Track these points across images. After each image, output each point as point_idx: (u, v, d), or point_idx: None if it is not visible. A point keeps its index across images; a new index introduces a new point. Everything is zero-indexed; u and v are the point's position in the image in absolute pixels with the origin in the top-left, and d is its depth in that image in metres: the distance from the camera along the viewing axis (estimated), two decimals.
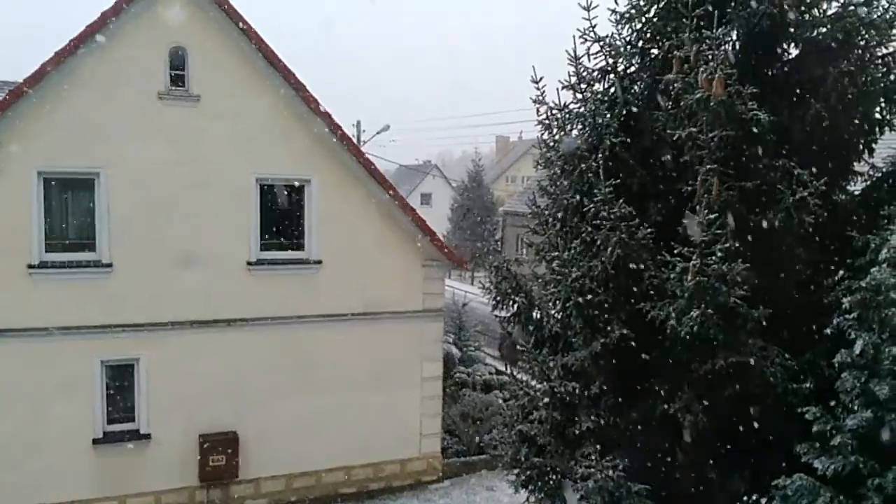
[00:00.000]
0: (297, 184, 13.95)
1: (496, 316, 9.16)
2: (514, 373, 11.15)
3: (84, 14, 12.29)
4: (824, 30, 7.18)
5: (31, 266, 12.11)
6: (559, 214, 8.02)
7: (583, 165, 7.43)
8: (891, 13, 7.05)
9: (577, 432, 7.54)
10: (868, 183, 7.67)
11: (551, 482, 8.42)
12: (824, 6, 7.32)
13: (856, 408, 5.84)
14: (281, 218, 14.06)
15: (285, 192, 13.97)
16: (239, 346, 13.51)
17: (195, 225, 13.02)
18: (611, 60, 7.92)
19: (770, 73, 7.36)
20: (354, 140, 23.45)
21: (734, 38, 7.25)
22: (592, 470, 6.80)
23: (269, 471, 13.96)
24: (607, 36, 7.85)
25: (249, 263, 13.55)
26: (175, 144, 12.81)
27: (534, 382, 8.40)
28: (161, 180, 12.75)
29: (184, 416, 13.16)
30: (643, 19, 7.78)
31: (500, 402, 16.19)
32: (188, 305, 13.11)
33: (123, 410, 13.00)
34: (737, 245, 6.31)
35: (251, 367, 13.63)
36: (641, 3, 7.69)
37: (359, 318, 14.41)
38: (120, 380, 12.91)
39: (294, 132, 13.71)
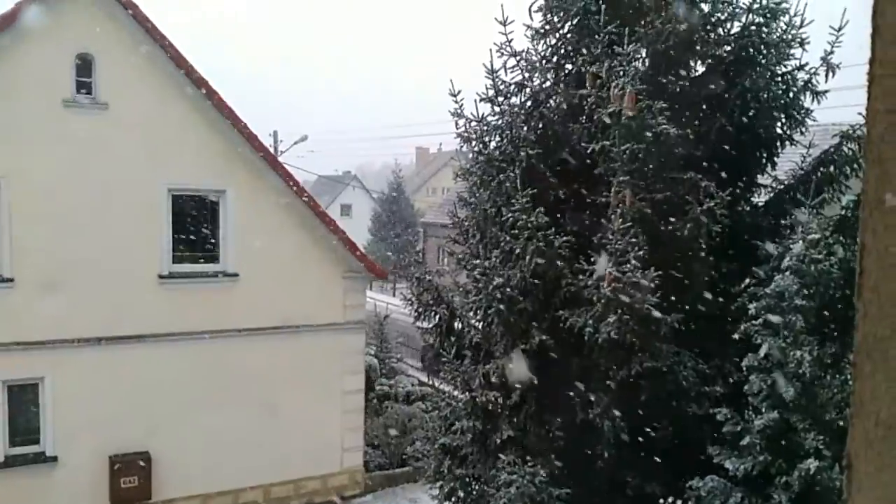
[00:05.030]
0: (211, 195, 13.59)
1: (418, 327, 9.15)
2: (436, 384, 11.17)
3: None
4: (728, 48, 7.54)
5: None
6: (479, 224, 8.11)
7: (501, 176, 7.54)
8: (789, 33, 7.46)
9: (498, 441, 7.60)
10: (772, 194, 8.06)
11: (474, 493, 8.44)
12: (728, 25, 7.68)
13: (763, 409, 6.09)
14: (195, 230, 13.67)
15: (200, 204, 13.60)
16: (151, 363, 13.01)
17: (103, 237, 12.49)
18: (527, 74, 8.08)
19: (678, 89, 7.66)
20: (272, 150, 23.09)
21: (644, 55, 7.51)
22: (515, 477, 6.86)
23: (183, 491, 13.48)
24: (523, 51, 8.01)
25: (161, 277, 13.11)
26: (82, 153, 12.28)
27: (456, 393, 8.43)
28: (67, 190, 12.19)
29: (93, 436, 12.57)
30: (557, 35, 7.97)
31: (423, 413, 16.15)
32: (96, 321, 12.55)
33: (27, 432, 12.32)
34: (648, 253, 6.51)
35: (164, 385, 13.14)
36: (555, 19, 7.88)
37: (278, 331, 14.12)
38: (24, 400, 12.25)
39: (208, 142, 13.37)
